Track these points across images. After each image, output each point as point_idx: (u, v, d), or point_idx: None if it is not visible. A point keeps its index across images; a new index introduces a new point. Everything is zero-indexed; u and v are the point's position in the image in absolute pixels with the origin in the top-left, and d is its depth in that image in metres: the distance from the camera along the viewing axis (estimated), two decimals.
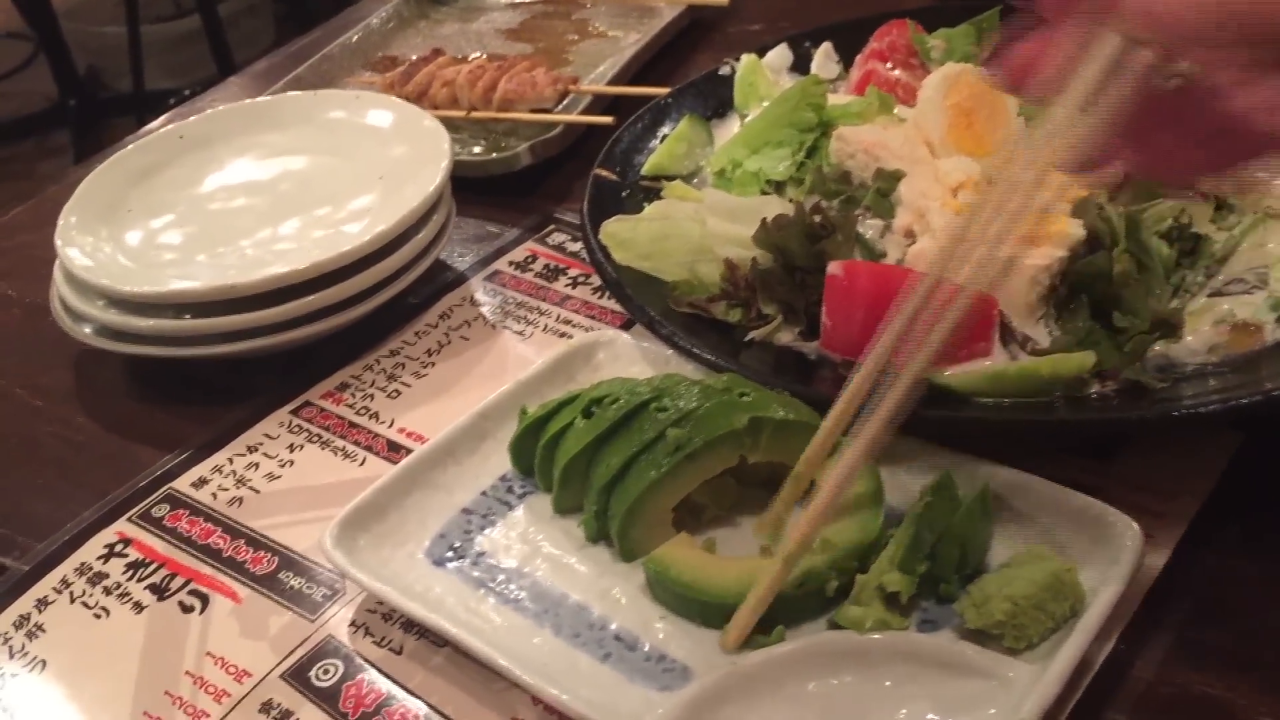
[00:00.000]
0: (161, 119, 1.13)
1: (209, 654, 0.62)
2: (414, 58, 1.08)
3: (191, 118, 0.94)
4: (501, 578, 0.61)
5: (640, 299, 0.72)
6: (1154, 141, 0.47)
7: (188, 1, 3.09)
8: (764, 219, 0.71)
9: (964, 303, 0.50)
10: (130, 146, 0.91)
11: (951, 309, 0.50)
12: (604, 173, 0.84)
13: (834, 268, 0.67)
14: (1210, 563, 0.59)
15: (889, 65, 0.89)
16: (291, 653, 0.61)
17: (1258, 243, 0.69)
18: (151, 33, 3.04)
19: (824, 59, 0.94)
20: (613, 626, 0.58)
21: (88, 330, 0.79)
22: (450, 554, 0.63)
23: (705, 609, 0.57)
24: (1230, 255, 0.69)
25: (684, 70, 1.08)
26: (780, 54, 0.95)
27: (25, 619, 0.65)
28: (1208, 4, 0.42)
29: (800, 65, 0.95)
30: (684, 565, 0.58)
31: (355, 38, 1.14)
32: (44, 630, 0.64)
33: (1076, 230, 0.68)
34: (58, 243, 0.81)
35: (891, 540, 0.57)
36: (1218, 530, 0.60)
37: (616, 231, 0.77)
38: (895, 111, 0.82)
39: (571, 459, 0.62)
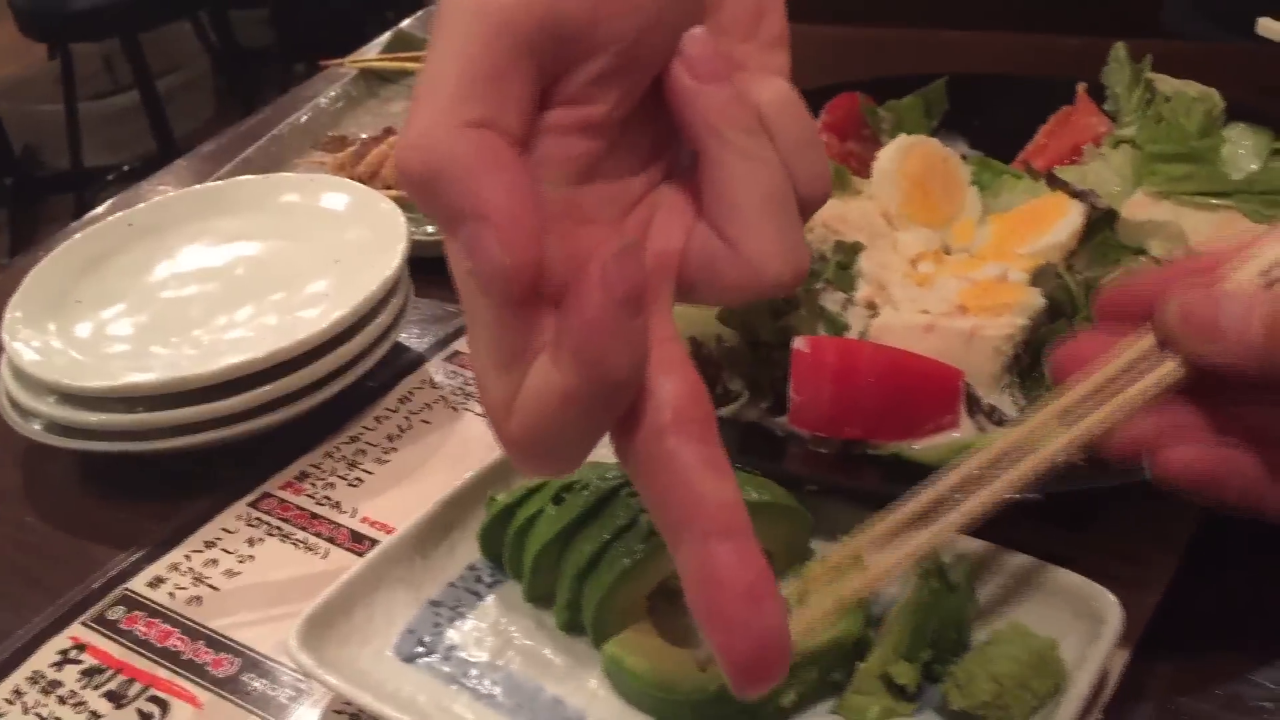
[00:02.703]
0: (107, 204, 1.11)
1: None
2: (364, 137, 1.08)
3: (140, 205, 0.93)
4: (474, 672, 0.60)
5: None
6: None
7: (125, 77, 3.08)
8: None
9: None
10: (77, 235, 0.89)
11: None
12: None
13: (799, 343, 0.67)
14: (1187, 627, 0.59)
15: (841, 138, 0.89)
16: None
17: None
18: (89, 109, 3.03)
19: None
20: None
21: (37, 427, 0.77)
22: (420, 649, 0.61)
23: (663, 707, 0.56)
24: None
25: None
26: None
27: None
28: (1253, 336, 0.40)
29: None
30: (644, 656, 0.57)
31: (304, 118, 1.13)
32: None
33: (1036, 299, 0.68)
34: (4, 338, 0.78)
35: (893, 629, 0.55)
36: (1193, 594, 0.60)
37: None
38: (852, 184, 0.83)
39: (543, 547, 0.61)
